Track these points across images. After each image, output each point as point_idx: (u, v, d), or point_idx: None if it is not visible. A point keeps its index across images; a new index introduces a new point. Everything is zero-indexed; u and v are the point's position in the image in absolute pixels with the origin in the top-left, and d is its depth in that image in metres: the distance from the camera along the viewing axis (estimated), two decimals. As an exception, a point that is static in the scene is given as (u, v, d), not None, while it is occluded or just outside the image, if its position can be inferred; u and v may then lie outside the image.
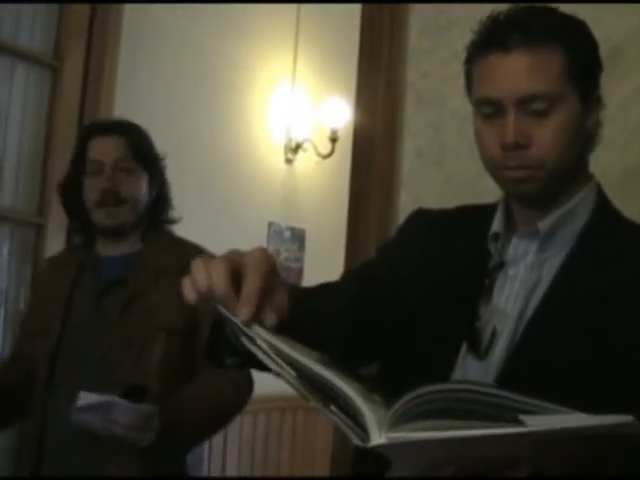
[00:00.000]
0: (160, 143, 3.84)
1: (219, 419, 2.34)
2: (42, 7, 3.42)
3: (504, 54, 1.31)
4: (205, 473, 4.11)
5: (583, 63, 1.33)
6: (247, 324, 1.11)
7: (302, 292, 1.47)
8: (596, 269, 1.31)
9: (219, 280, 1.10)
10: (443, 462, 1.03)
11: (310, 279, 4.85)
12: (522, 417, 0.92)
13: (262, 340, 1.10)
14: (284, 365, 1.07)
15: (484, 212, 1.46)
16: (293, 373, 1.06)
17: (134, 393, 2.07)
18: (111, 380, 2.14)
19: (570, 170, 1.35)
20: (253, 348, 1.10)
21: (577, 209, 1.37)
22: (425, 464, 1.05)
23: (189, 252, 2.32)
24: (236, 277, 1.11)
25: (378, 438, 0.97)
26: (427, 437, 0.94)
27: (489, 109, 1.34)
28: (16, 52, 3.35)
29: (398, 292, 1.44)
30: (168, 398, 2.14)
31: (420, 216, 1.58)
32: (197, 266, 1.12)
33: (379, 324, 1.44)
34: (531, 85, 1.29)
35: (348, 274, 1.65)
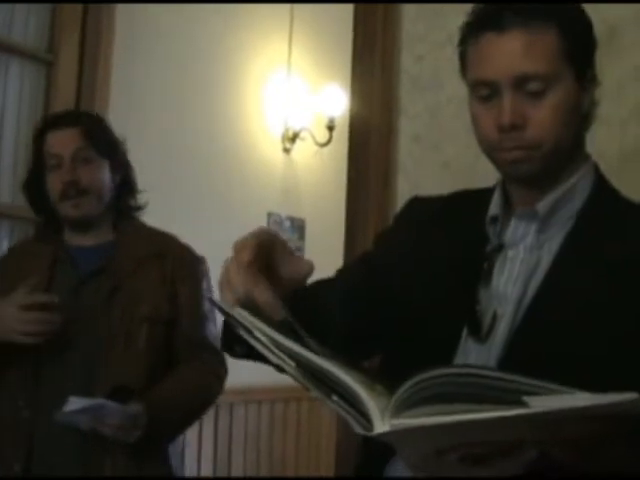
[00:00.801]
0: (156, 135, 3.87)
1: (201, 410, 2.38)
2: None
3: (498, 34, 1.30)
4: (211, 463, 4.13)
5: (578, 42, 1.32)
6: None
7: (301, 289, 1.47)
8: (596, 249, 1.31)
9: (264, 298, 1.17)
10: (447, 448, 1.03)
11: (311, 268, 4.84)
12: (525, 398, 0.92)
13: (260, 332, 1.10)
14: (283, 356, 1.07)
15: (481, 196, 1.46)
16: (293, 364, 1.06)
17: (121, 392, 2.11)
18: (97, 372, 2.17)
19: (567, 150, 1.34)
20: (251, 340, 1.10)
21: (575, 189, 1.37)
22: (429, 450, 1.04)
23: (164, 240, 2.40)
24: None
25: (381, 426, 0.96)
26: (430, 423, 0.94)
27: (484, 91, 1.33)
28: (10, 47, 3.35)
29: (397, 280, 1.44)
30: (154, 393, 2.17)
31: (416, 203, 1.57)
32: (234, 276, 1.19)
33: (380, 313, 1.43)
34: (526, 65, 1.28)
35: (346, 267, 1.65)
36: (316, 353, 1.06)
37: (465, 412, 0.92)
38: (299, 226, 4.84)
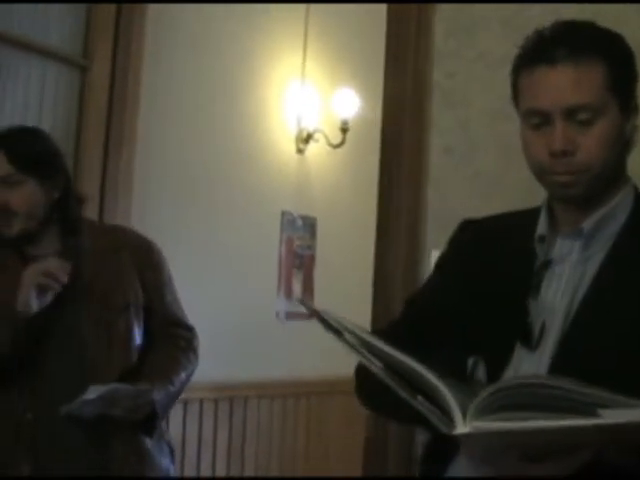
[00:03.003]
0: (184, 136, 3.99)
1: (187, 383, 2.49)
2: (71, 9, 3.54)
3: (551, 68, 1.41)
4: (225, 454, 4.24)
5: (622, 75, 1.44)
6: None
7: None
8: (635, 263, 1.42)
9: None
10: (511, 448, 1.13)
11: (322, 266, 4.95)
12: (600, 411, 1.03)
13: (348, 333, 1.19)
14: (371, 357, 1.17)
15: (528, 216, 1.56)
16: (380, 365, 1.16)
17: (128, 376, 2.29)
18: (90, 364, 2.28)
19: (611, 173, 1.46)
20: (341, 341, 1.20)
21: (616, 209, 1.48)
22: (498, 448, 1.15)
23: (121, 232, 2.55)
24: None
25: (463, 427, 1.07)
26: (513, 428, 1.05)
27: (537, 119, 1.44)
28: (47, 53, 3.46)
29: (456, 298, 1.55)
30: (154, 373, 2.35)
31: (467, 226, 1.68)
32: None
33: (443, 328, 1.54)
34: (577, 97, 1.39)
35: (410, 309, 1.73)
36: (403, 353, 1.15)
37: (542, 419, 1.03)
38: (311, 224, 4.94)
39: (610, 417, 1.02)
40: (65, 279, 2.21)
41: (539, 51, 1.44)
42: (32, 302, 2.19)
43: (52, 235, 2.36)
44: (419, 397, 1.12)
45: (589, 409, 1.04)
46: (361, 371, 1.55)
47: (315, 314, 1.24)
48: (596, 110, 1.41)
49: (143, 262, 2.45)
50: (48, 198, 2.33)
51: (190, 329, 2.55)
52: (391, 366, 1.16)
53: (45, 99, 3.44)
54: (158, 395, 2.29)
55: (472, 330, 1.48)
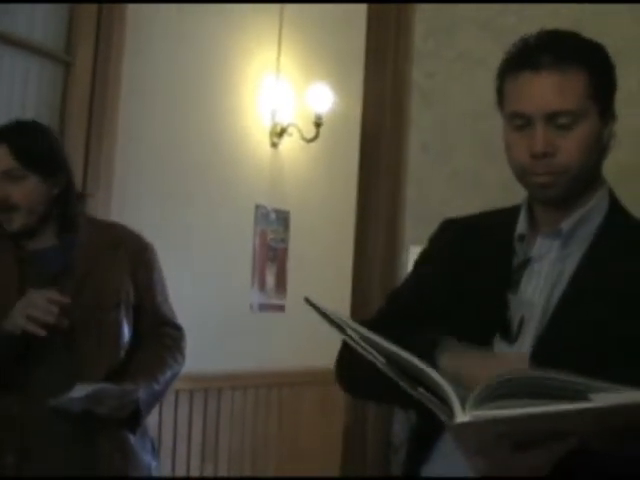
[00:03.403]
0: (162, 131, 4.03)
1: (172, 382, 2.54)
2: (55, 8, 3.63)
3: (535, 73, 1.48)
4: (199, 444, 4.29)
5: (603, 84, 1.51)
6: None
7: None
8: (612, 261, 1.49)
9: None
10: (508, 433, 1.20)
11: (295, 259, 5.02)
12: (591, 395, 1.09)
13: (351, 330, 1.25)
14: (374, 352, 1.23)
15: (508, 215, 1.63)
16: (382, 360, 1.22)
17: (114, 375, 2.32)
18: (77, 360, 2.30)
19: (588, 176, 1.53)
20: (344, 337, 1.26)
21: (593, 210, 1.55)
22: (493, 436, 1.21)
23: (117, 230, 2.54)
24: None
25: (463, 416, 1.13)
26: (510, 414, 1.11)
27: (519, 122, 1.51)
28: (31, 49, 3.54)
29: (439, 295, 1.61)
30: (140, 372, 2.37)
31: (449, 226, 1.75)
32: None
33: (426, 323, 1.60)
34: (559, 103, 1.46)
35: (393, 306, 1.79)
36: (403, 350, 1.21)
37: (538, 406, 1.10)
38: (284, 218, 5.00)
39: (601, 400, 1.08)
40: (52, 319, 2.21)
41: (524, 58, 1.51)
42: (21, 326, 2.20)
43: (50, 231, 2.39)
44: (419, 389, 1.18)
45: (582, 395, 1.10)
46: (344, 360, 1.62)
47: (319, 311, 1.30)
48: (576, 115, 1.47)
49: (137, 260, 2.47)
50: (49, 194, 2.35)
51: (179, 329, 2.57)
52: (393, 360, 1.22)
53: (28, 94, 3.51)
54: (143, 393, 2.32)
55: (454, 325, 1.54)
